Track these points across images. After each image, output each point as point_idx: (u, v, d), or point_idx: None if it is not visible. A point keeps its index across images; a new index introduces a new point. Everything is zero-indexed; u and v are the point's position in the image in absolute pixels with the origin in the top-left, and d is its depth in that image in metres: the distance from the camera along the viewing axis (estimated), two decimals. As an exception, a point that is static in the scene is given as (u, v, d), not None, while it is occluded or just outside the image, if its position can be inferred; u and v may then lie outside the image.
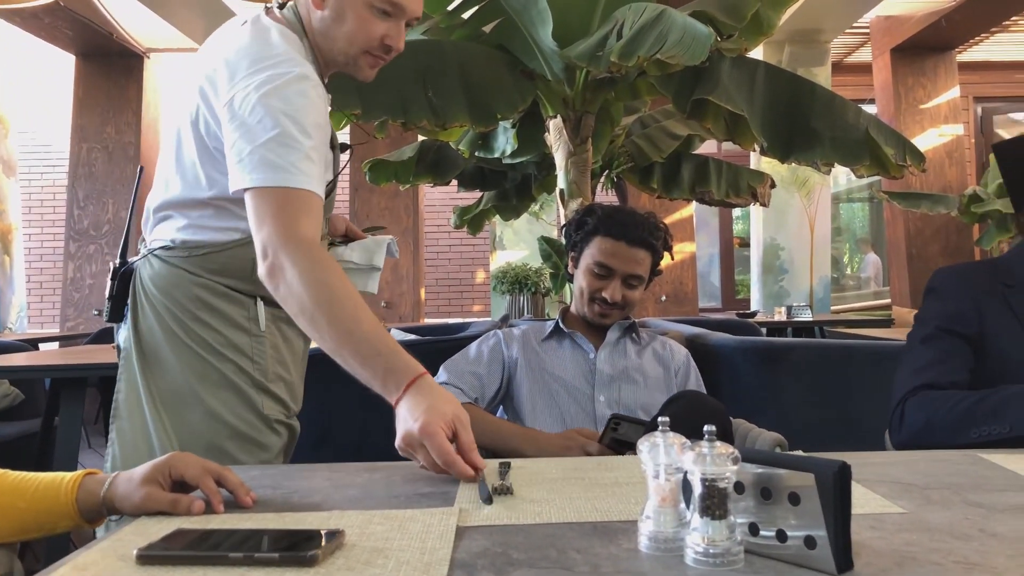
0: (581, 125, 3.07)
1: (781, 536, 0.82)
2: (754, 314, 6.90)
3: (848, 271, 11.96)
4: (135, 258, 1.53)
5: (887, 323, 6.47)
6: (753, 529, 0.84)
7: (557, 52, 2.86)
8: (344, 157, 1.60)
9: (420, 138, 4.55)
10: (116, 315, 1.50)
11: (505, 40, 3.10)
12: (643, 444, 0.87)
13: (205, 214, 1.44)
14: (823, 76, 7.76)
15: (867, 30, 8.94)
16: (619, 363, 1.75)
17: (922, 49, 8.57)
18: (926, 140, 8.54)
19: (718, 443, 0.83)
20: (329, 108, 1.46)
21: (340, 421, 2.34)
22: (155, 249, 1.48)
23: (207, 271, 1.44)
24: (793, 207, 7.93)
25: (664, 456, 0.86)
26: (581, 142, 3.07)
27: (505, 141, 3.56)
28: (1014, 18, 8.40)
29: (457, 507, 0.98)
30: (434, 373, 1.76)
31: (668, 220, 7.74)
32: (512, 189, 4.66)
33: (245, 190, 1.30)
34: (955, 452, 1.31)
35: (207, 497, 0.97)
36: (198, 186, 1.43)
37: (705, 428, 0.85)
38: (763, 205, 4.16)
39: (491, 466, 1.19)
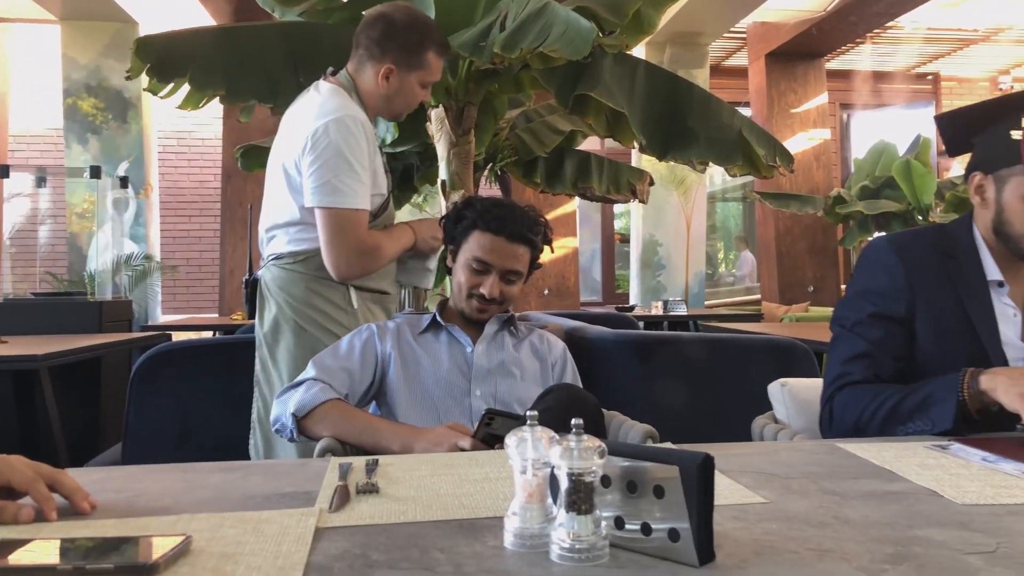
0: (464, 116, 3.04)
1: (646, 529, 0.82)
2: (632, 308, 7.07)
3: (722, 268, 12.44)
4: (258, 271, 2.10)
5: (757, 318, 6.76)
6: (619, 523, 0.84)
7: (440, 41, 2.82)
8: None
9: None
10: (252, 312, 2.10)
11: (386, 25, 3.03)
12: (511, 439, 0.85)
13: (299, 229, 2.00)
14: (702, 78, 8.02)
15: (744, 35, 9.30)
16: (496, 357, 1.73)
17: (794, 56, 8.99)
18: (796, 143, 8.97)
19: (585, 437, 0.82)
20: (369, 139, 1.99)
21: (201, 418, 2.23)
22: (271, 260, 2.06)
23: (310, 269, 1.99)
24: (671, 205, 8.17)
25: (532, 451, 0.84)
26: (464, 133, 3.05)
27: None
28: (877, 31, 8.92)
29: (318, 507, 0.93)
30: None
31: (551, 215, 7.82)
32: (394, 180, 4.55)
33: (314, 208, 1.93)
34: (813, 442, 1.36)
35: (38, 504, 0.88)
36: (290, 211, 2.00)
37: (573, 422, 0.83)
38: (642, 202, 4.25)
39: (358, 463, 1.15)
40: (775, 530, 0.89)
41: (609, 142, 4.40)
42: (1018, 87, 10.56)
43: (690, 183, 8.15)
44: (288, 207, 2.00)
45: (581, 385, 1.79)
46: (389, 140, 3.50)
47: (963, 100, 10.65)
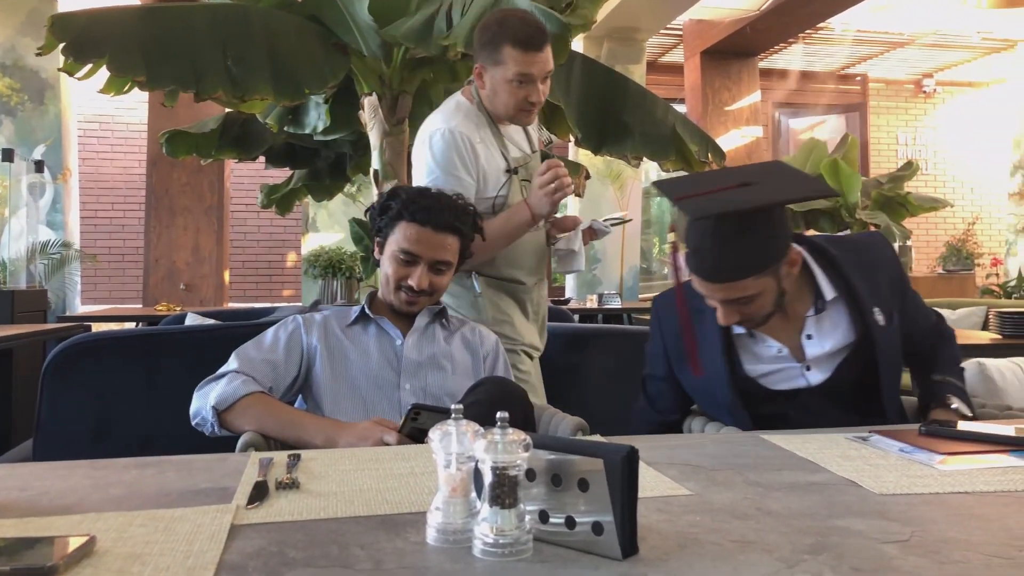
0: (398, 104, 3.00)
1: (570, 523, 0.81)
2: (567, 301, 7.10)
3: (657, 262, 12.61)
4: None
5: (689, 311, 6.85)
6: (543, 517, 0.83)
7: (374, 28, 2.76)
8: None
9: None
10: None
11: (318, 11, 2.95)
12: (435, 433, 0.83)
13: None
14: (638, 73, 8.09)
15: (680, 32, 9.40)
16: (427, 350, 1.70)
17: (729, 54, 9.13)
18: (729, 140, 9.12)
19: (510, 430, 0.81)
20: (470, 146, 2.03)
21: (121, 413, 2.15)
22: None
23: None
24: (607, 199, 8.22)
25: (456, 445, 0.83)
26: (397, 122, 3.00)
27: (317, 117, 3.41)
28: (809, 31, 9.13)
29: (235, 504, 0.90)
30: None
31: (485, 207, 7.83)
32: (325, 168, 4.47)
33: None
34: (740, 434, 1.38)
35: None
36: None
37: (498, 415, 0.82)
38: (578, 196, 4.25)
39: (280, 458, 1.12)
40: (699, 522, 0.89)
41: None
42: (941, 90, 10.94)
43: (626, 178, 8.21)
44: None
45: (512, 378, 1.78)
46: (321, 128, 3.43)
47: (890, 101, 10.98)
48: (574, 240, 2.21)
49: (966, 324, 5.06)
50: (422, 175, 2.03)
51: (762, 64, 9.85)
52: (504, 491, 0.79)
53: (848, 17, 8.47)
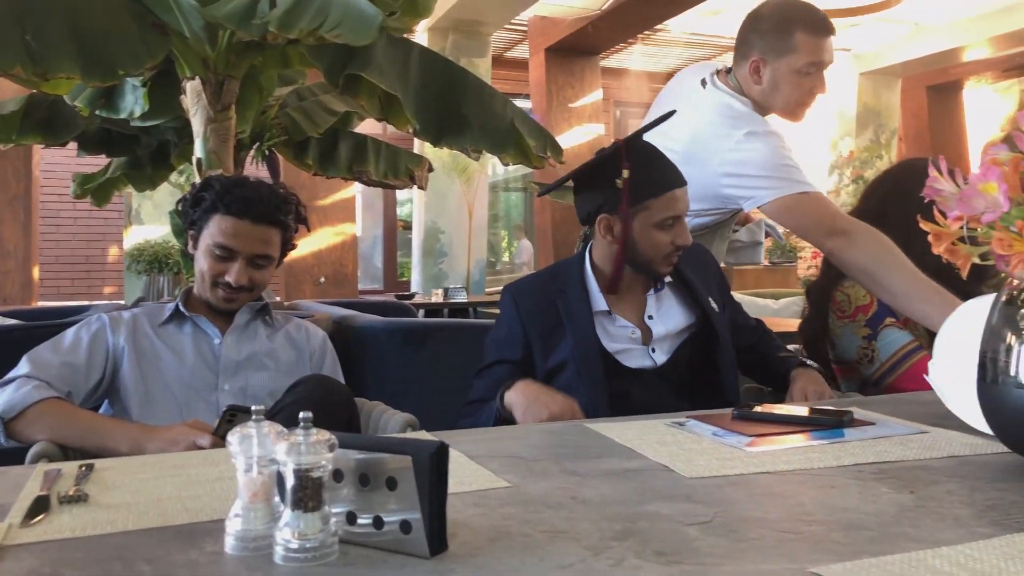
0: (223, 90, 2.85)
1: (378, 523, 0.79)
2: (412, 296, 7.06)
3: (505, 256, 12.76)
4: None
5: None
6: (351, 518, 0.80)
7: (196, 8, 2.61)
8: None
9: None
10: None
11: (135, -14, 2.77)
12: (233, 436, 0.79)
13: None
14: (484, 67, 8.13)
15: (526, 28, 9.52)
16: (247, 348, 1.62)
17: (572, 52, 9.32)
18: (573, 137, 9.32)
19: (314, 431, 0.78)
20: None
21: None
22: None
23: None
24: (454, 192, 8.22)
25: (257, 448, 0.78)
26: (223, 108, 2.85)
27: (134, 101, 3.20)
28: (648, 32, 9.47)
29: (7, 522, 0.82)
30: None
31: (329, 200, 7.61)
32: (146, 156, 4.18)
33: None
34: (563, 424, 1.39)
35: None
36: None
37: (301, 416, 0.78)
38: (420, 188, 4.22)
39: (69, 469, 1.03)
40: (513, 514, 0.89)
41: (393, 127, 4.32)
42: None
43: (472, 171, 8.24)
44: None
45: (342, 376, 1.73)
46: (138, 113, 3.22)
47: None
48: (758, 232, 2.21)
49: (787, 313, 5.40)
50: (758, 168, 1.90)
51: (604, 63, 10.14)
52: (307, 494, 0.76)
53: (684, 20, 8.85)
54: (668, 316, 1.71)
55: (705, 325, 1.73)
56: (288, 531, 0.75)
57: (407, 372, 2.43)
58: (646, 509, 0.90)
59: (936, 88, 10.94)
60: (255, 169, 3.60)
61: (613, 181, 1.60)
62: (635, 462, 1.11)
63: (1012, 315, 1.03)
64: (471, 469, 1.06)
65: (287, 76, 3.77)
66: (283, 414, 1.29)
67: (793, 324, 4.19)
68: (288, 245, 1.70)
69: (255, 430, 0.79)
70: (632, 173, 1.58)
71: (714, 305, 1.75)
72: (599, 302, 1.69)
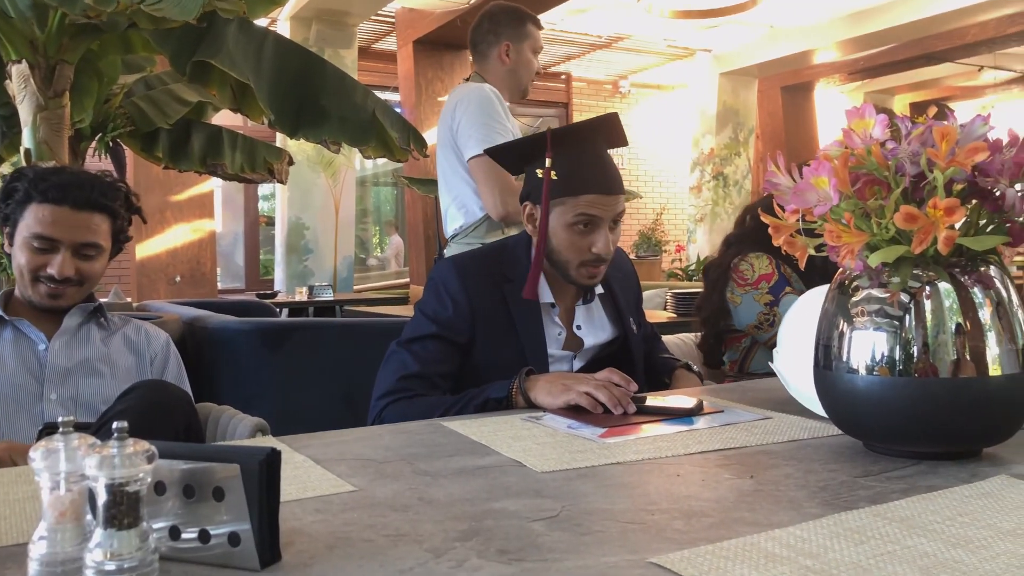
0: (56, 76, 2.63)
1: (204, 536, 0.74)
2: (275, 294, 6.83)
3: (377, 252, 12.57)
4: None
5: (404, 300, 6.91)
6: (174, 533, 0.75)
7: (20, -15, 2.41)
8: None
9: None
10: None
11: (-50, -39, 2.52)
12: (36, 451, 0.71)
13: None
14: (350, 59, 7.95)
15: (393, 19, 9.37)
16: (79, 353, 1.50)
17: (440, 45, 9.23)
18: (441, 132, 9.26)
19: (130, 441, 0.71)
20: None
21: None
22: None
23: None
24: (319, 187, 8.00)
25: (65, 463, 0.71)
26: (55, 95, 2.63)
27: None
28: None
29: None
30: None
31: (184, 195, 7.22)
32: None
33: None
34: (419, 423, 1.36)
35: None
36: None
37: (114, 426, 0.72)
38: (280, 182, 4.07)
39: None
40: (356, 519, 0.85)
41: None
42: (635, 91, 11.94)
43: (339, 165, 8.04)
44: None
45: (187, 381, 1.63)
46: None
47: (592, 100, 11.78)
48: None
49: (651, 305, 5.56)
50: (471, 127, 2.35)
51: (473, 58, 10.11)
52: (122, 510, 0.70)
53: (553, 17, 8.95)
54: (595, 329, 1.69)
55: (624, 345, 1.71)
56: (100, 552, 0.69)
57: (264, 374, 2.34)
58: (493, 507, 0.89)
59: (790, 89, 11.54)
60: (98, 161, 3.36)
61: (535, 169, 1.57)
62: (488, 459, 1.10)
63: (844, 303, 1.07)
64: (316, 474, 1.02)
65: (133, 63, 3.55)
66: (111, 424, 1.21)
67: (658, 316, 4.33)
68: (121, 235, 1.58)
69: (62, 443, 0.72)
70: (556, 166, 1.53)
71: (633, 325, 1.73)
72: (546, 294, 1.63)
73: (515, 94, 2.60)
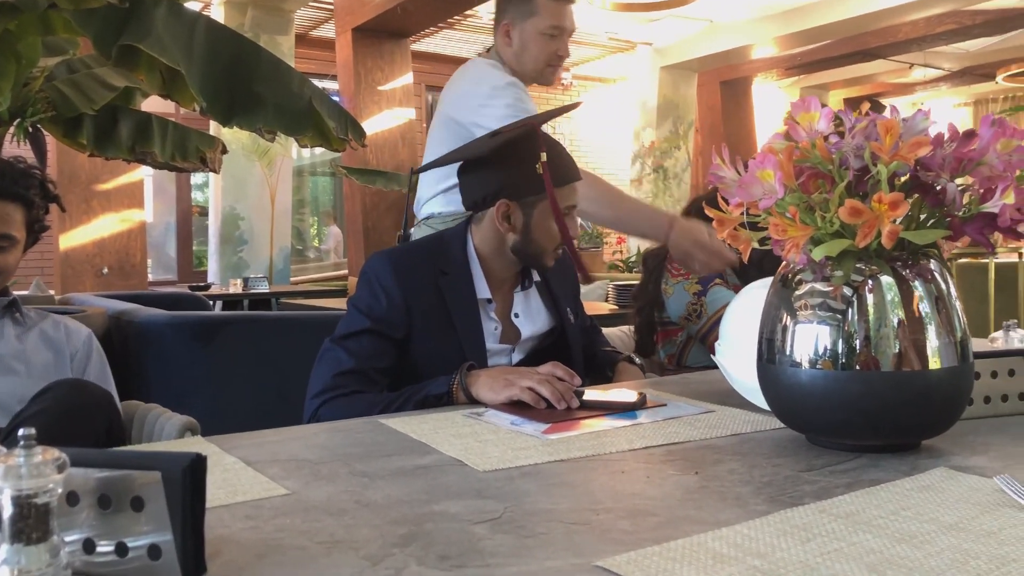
0: (-33, 57, 2.51)
1: (121, 550, 0.69)
2: (209, 286, 6.66)
3: (316, 243, 12.38)
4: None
5: (343, 293, 6.81)
6: (88, 546, 0.70)
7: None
8: None
9: None
10: None
11: None
12: (-68, 460, 0.65)
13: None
14: (287, 46, 7.78)
15: (331, 6, 9.20)
16: None
17: (381, 33, 9.10)
18: (382, 120, 9.14)
19: (38, 449, 0.66)
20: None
21: None
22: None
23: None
24: (254, 176, 7.82)
25: (-32, 473, 0.66)
26: (-33, 81, 2.50)
27: None
28: (458, 17, 9.44)
29: None
30: None
31: (112, 184, 6.97)
32: None
33: None
34: (358, 420, 1.32)
35: None
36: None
37: (21, 432, 0.67)
38: (213, 171, 3.94)
39: None
40: (288, 525, 0.81)
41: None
42: (577, 83, 11.97)
43: (275, 154, 7.87)
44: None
45: (111, 378, 1.56)
46: None
47: (534, 92, 11.48)
48: None
49: (592, 297, 5.59)
50: (491, 102, 1.99)
51: (415, 47, 10.02)
52: (30, 524, 0.65)
53: (493, 7, 8.91)
54: (533, 318, 1.67)
55: (561, 336, 1.70)
56: (7, 569, 0.64)
57: (194, 370, 2.25)
58: (434, 509, 0.85)
59: (729, 83, 11.72)
60: (16, 147, 3.20)
61: (519, 165, 1.53)
62: (428, 458, 1.06)
63: (787, 297, 1.07)
64: (247, 477, 0.97)
65: (54, 45, 3.40)
66: (30, 425, 1.14)
67: (599, 307, 4.35)
68: (37, 225, 1.50)
69: (-35, 453, 0.66)
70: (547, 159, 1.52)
71: (571, 316, 1.73)
72: (483, 289, 1.61)
73: (527, 80, 2.21)
